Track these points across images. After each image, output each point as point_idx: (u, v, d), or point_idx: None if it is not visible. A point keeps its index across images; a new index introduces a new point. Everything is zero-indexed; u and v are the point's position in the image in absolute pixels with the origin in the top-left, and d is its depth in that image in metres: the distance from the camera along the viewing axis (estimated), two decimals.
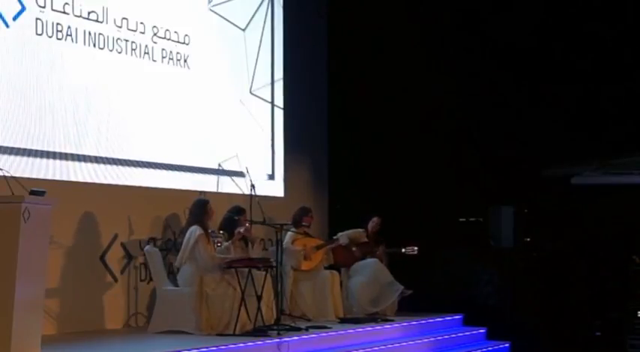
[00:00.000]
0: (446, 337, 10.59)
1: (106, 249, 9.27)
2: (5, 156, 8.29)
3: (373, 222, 11.19)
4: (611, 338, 11.56)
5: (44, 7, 8.81)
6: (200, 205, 9.14)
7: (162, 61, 10.05)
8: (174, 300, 8.82)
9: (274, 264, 9.11)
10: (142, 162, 9.76)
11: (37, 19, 8.74)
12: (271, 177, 11.61)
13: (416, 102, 12.38)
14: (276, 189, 11.60)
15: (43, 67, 8.79)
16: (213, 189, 10.53)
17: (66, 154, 8.94)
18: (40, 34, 8.76)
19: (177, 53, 10.25)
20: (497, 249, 12.17)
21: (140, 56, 9.80)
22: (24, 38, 8.63)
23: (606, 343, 11.54)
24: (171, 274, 9.28)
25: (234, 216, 9.40)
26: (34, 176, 8.45)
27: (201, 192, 10.05)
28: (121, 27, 9.59)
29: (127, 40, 9.65)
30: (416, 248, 11.02)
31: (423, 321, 10.70)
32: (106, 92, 9.41)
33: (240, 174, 10.85)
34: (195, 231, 8.89)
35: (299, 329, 8.86)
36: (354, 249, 10.97)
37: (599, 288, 11.86)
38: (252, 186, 9.68)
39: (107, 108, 9.42)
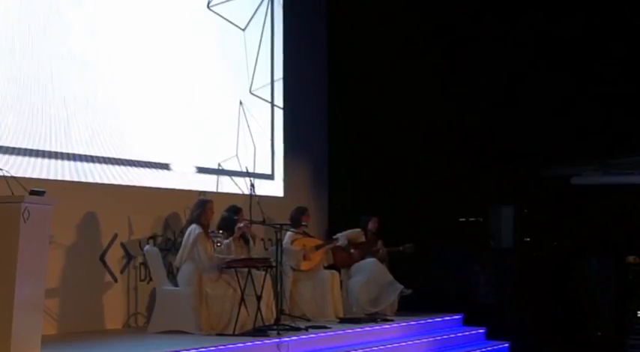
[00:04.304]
0: (445, 337, 10.59)
1: (106, 248, 9.27)
2: (5, 156, 8.29)
3: (374, 222, 11.19)
4: (611, 338, 11.56)
5: None
6: (200, 204, 9.14)
7: (161, 61, 10.05)
8: (174, 300, 8.82)
9: (274, 263, 9.12)
10: (142, 162, 9.77)
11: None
12: (271, 177, 11.61)
13: (416, 102, 12.38)
14: (275, 189, 11.60)
15: (44, 67, 8.79)
16: (213, 189, 10.53)
17: (67, 154, 8.94)
18: (41, 34, 8.76)
19: (177, 53, 10.25)
20: (497, 248, 12.17)
21: (140, 55, 9.79)
22: (25, 37, 8.62)
23: (606, 343, 11.54)
24: (171, 274, 9.29)
25: (234, 216, 9.40)
26: (34, 176, 8.46)
27: (201, 192, 10.05)
28: (120, 27, 9.58)
29: (126, 40, 9.64)
30: (413, 245, 11.05)
31: (423, 321, 10.70)
32: (106, 92, 9.40)
33: (240, 174, 10.85)
34: (194, 230, 8.91)
35: (299, 329, 8.85)
36: (352, 250, 10.98)
37: (599, 288, 11.86)
38: (252, 186, 9.68)
39: (107, 108, 9.41)
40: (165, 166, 10.03)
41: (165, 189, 9.94)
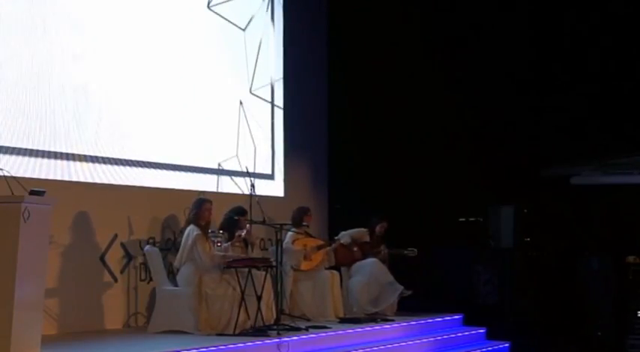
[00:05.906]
0: (446, 337, 10.59)
1: (106, 249, 9.27)
2: (6, 156, 8.29)
3: (382, 227, 11.15)
4: (611, 338, 11.56)
5: None
6: (197, 204, 9.11)
7: (162, 61, 10.05)
8: (174, 300, 8.82)
9: (274, 263, 9.11)
10: (142, 162, 9.76)
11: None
12: (271, 177, 11.61)
13: (416, 103, 12.38)
14: (276, 189, 11.60)
15: (43, 67, 8.78)
16: (213, 189, 10.53)
17: (66, 154, 8.94)
18: (40, 34, 8.75)
19: (177, 53, 10.25)
20: (497, 249, 12.17)
21: (140, 56, 9.79)
22: (24, 38, 8.62)
23: (606, 343, 11.54)
24: (171, 274, 9.28)
25: (235, 217, 9.39)
26: (34, 176, 8.45)
27: (201, 192, 10.04)
28: (120, 27, 9.58)
29: (126, 40, 9.64)
30: (415, 249, 11.02)
31: (423, 321, 10.70)
32: (106, 92, 9.40)
33: (240, 174, 10.85)
34: (192, 231, 8.89)
35: (299, 329, 8.85)
36: (355, 249, 10.97)
37: (599, 288, 11.86)
38: (252, 185, 9.68)
39: (107, 108, 9.41)
40: (165, 166, 10.02)
41: (165, 189, 9.94)
